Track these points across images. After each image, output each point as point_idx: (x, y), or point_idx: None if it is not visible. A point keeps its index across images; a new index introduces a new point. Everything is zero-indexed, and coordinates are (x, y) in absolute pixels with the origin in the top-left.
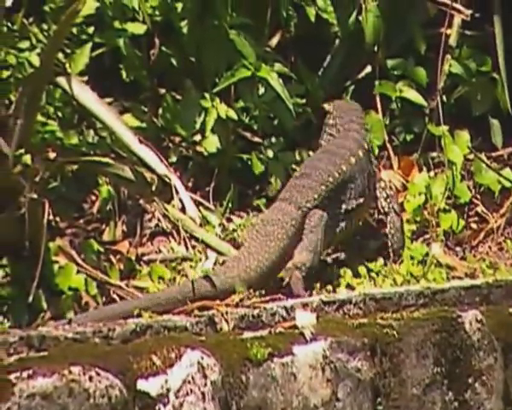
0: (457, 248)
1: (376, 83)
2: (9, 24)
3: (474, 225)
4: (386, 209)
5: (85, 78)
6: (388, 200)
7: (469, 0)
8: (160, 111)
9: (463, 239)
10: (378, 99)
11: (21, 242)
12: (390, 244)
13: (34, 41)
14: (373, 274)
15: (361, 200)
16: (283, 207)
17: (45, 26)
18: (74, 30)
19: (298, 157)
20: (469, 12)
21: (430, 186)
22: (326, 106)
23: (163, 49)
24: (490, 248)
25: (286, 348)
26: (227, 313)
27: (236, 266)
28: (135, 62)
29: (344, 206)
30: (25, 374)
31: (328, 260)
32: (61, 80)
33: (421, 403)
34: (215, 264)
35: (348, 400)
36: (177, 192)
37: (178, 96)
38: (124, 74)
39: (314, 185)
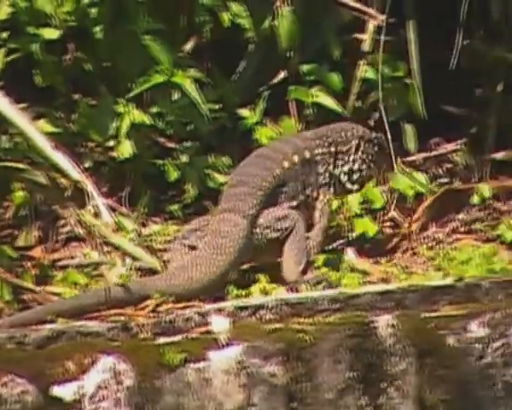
0: (372, 254)
1: (291, 88)
2: None
3: (388, 230)
4: (317, 221)
5: None
6: (322, 215)
7: (383, 5)
8: (75, 116)
9: (378, 244)
10: (292, 105)
11: None
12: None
13: None
14: None
15: (294, 203)
16: (230, 218)
17: None
18: None
19: (212, 162)
20: (383, 17)
21: None
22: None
23: (77, 54)
24: (404, 253)
25: (200, 354)
26: (142, 318)
27: (180, 275)
28: (49, 68)
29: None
30: None
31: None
32: None
33: (335, 408)
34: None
35: (263, 405)
36: (91, 198)
37: (93, 102)
38: (38, 80)
39: (252, 191)
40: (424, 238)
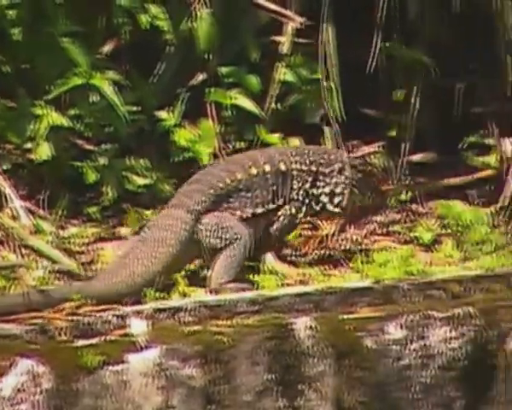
0: (290, 256)
1: (209, 90)
2: None
3: (306, 233)
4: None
5: None
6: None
7: (302, 8)
8: None
9: (296, 246)
10: (211, 107)
11: None
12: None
13: None
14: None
15: (258, 210)
16: (173, 213)
17: None
18: None
19: (131, 164)
20: (302, 20)
21: None
22: None
23: None
24: (322, 255)
25: (119, 356)
26: (60, 321)
27: (122, 272)
28: None
29: (238, 213)
30: None
31: None
32: None
33: None
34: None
35: (181, 407)
36: (9, 200)
37: (11, 104)
38: None
39: (202, 188)
40: (342, 240)
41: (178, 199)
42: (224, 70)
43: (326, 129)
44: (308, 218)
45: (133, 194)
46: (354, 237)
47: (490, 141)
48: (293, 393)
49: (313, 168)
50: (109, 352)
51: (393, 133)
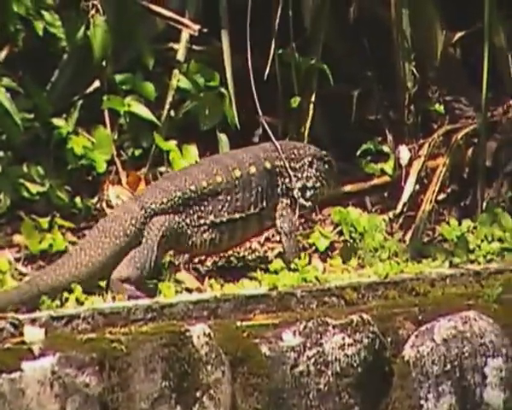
0: (188, 263)
1: (105, 98)
2: None
3: None
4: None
5: None
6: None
7: (198, 15)
8: None
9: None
10: (106, 114)
11: None
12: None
13: None
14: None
15: (236, 215)
16: (128, 206)
17: None
18: None
19: (26, 172)
20: (197, 27)
21: None
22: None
23: None
24: (216, 262)
25: (14, 364)
26: None
27: (67, 263)
28: None
29: (211, 217)
30: None
31: None
32: None
33: None
34: None
35: None
36: None
37: None
38: None
39: (169, 188)
40: (240, 248)
41: (143, 193)
42: (119, 77)
43: (221, 136)
44: None
45: (29, 201)
46: (249, 245)
47: (386, 148)
48: (189, 400)
49: (288, 164)
50: (4, 360)
51: (289, 140)
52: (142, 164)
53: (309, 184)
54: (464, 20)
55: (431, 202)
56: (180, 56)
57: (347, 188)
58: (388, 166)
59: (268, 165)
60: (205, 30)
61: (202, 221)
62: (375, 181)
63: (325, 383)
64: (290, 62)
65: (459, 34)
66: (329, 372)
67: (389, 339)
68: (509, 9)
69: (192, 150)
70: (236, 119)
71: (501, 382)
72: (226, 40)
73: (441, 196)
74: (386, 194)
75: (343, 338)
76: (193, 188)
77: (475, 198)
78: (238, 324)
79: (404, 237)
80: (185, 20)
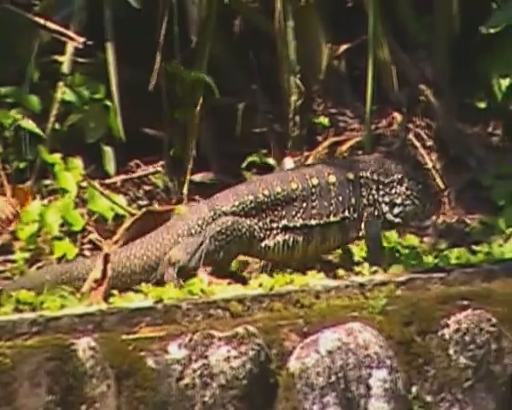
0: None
1: None
2: None
3: (87, 253)
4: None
5: None
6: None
7: (82, 27)
8: None
9: None
10: None
11: None
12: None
13: None
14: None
15: (312, 221)
16: (199, 206)
17: None
18: None
19: None
20: (82, 39)
21: (44, 214)
22: None
23: None
24: None
25: None
26: None
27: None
28: None
29: (284, 222)
30: None
31: None
32: None
33: None
34: None
35: None
36: None
37: None
38: None
39: (241, 192)
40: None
41: (217, 195)
42: (3, 90)
43: (106, 149)
44: None
45: None
46: None
47: (271, 160)
48: None
49: (375, 177)
50: None
51: (174, 153)
52: (27, 177)
53: (398, 201)
54: (349, 33)
55: None
56: (65, 69)
57: None
58: None
59: (351, 175)
60: (90, 42)
61: (275, 225)
62: None
63: (210, 396)
64: (175, 75)
65: (344, 47)
66: (215, 385)
67: (274, 351)
68: (393, 23)
69: (77, 163)
70: (122, 131)
71: (385, 393)
72: (111, 52)
73: None
74: None
75: (228, 351)
76: (266, 193)
77: None
78: (124, 337)
79: None
80: (70, 33)
